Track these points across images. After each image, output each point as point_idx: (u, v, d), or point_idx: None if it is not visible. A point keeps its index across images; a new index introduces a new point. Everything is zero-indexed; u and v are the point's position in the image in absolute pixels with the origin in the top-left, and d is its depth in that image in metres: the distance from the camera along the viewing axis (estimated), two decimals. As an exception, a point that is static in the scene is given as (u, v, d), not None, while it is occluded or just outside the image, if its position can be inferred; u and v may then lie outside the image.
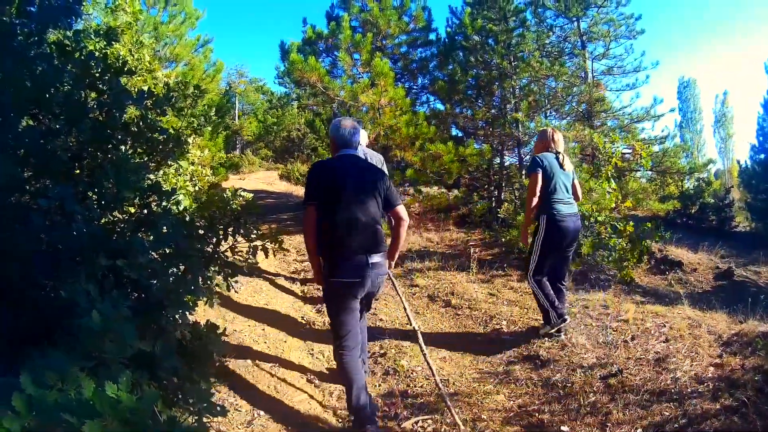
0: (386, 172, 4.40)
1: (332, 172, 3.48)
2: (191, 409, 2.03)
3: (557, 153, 4.96)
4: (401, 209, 3.64)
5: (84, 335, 1.72)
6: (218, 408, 2.06)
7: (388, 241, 3.74)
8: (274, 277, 6.98)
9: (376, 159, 5.54)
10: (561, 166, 4.89)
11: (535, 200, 4.80)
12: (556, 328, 4.75)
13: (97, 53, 2.73)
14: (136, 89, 2.88)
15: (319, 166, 3.71)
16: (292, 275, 7.36)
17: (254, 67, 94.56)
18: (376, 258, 3.40)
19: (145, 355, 1.97)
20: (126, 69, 2.82)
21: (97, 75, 2.65)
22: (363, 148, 5.41)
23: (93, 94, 2.71)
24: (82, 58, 2.60)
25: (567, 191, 4.87)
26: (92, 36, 4.05)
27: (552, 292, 4.81)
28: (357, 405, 3.33)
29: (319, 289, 6.14)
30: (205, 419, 2.05)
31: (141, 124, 2.83)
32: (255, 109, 29.96)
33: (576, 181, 5.06)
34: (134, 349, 1.79)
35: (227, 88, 28.20)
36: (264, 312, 5.48)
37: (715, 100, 48.47)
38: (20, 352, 1.80)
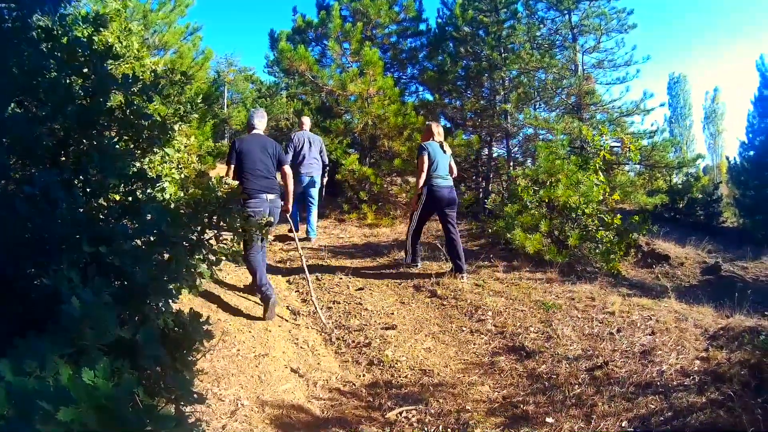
0: (323, 150, 8.98)
1: (243, 142, 5.46)
2: (172, 397, 2.01)
3: (439, 142, 6.80)
4: (286, 167, 5.66)
5: (64, 322, 1.69)
6: (195, 396, 2.03)
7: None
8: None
9: (317, 140, 8.92)
10: (443, 151, 6.75)
11: (423, 176, 6.54)
12: (410, 263, 7.06)
13: (84, 39, 2.68)
14: (123, 74, 2.84)
15: (237, 140, 5.53)
16: (278, 264, 7.33)
17: (244, 56, 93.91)
18: (272, 196, 5.32)
19: (127, 343, 1.94)
20: (112, 53, 2.77)
21: (83, 60, 2.60)
22: (306, 132, 8.90)
23: (79, 80, 2.67)
24: (68, 42, 2.55)
25: (445, 170, 6.69)
26: (80, 23, 4.00)
27: (418, 246, 7.18)
28: (261, 283, 5.12)
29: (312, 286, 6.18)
30: (185, 408, 2.02)
31: (126, 110, 2.79)
32: (244, 98, 29.74)
33: (452, 162, 6.93)
34: (114, 336, 1.76)
35: (216, 77, 28.01)
36: (249, 301, 5.45)
37: (705, 96, 48.81)
38: (9, 343, 1.77)
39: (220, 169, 12.72)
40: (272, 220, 5.33)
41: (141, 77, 2.81)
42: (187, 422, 1.75)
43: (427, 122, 8.03)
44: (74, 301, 1.68)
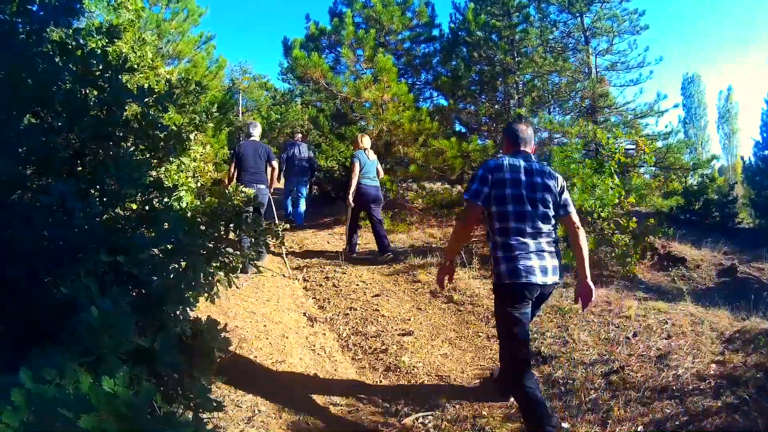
0: (311, 155, 11.33)
1: (241, 147, 7.53)
2: (190, 404, 2.04)
3: (365, 149, 8.19)
4: (274, 163, 7.69)
5: (83, 331, 1.72)
6: (214, 404, 2.06)
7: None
8: (276, 274, 6.99)
9: (305, 147, 11.22)
10: (368, 158, 8.12)
11: (355, 179, 7.88)
12: (349, 252, 8.32)
13: (98, 51, 2.73)
14: (138, 86, 2.88)
15: (237, 146, 7.71)
16: (295, 271, 7.37)
17: (258, 63, 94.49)
18: (260, 186, 7.26)
19: (145, 351, 1.97)
20: (126, 66, 2.82)
21: (98, 73, 2.65)
22: (299, 143, 11.28)
23: (94, 92, 2.71)
24: (83, 55, 2.60)
25: (372, 173, 8.12)
26: (94, 34, 4.05)
27: (356, 237, 8.46)
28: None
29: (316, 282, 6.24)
30: (203, 414, 2.05)
31: (141, 120, 2.83)
32: (259, 106, 29.85)
33: (378, 167, 8.39)
34: (132, 345, 1.79)
35: (230, 85, 28.17)
36: (266, 308, 5.49)
37: (719, 96, 48.29)
38: (25, 351, 1.80)
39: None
40: (262, 202, 7.20)
41: (156, 89, 2.85)
42: (205, 429, 1.77)
43: (357, 133, 9.87)
44: (93, 310, 1.71)
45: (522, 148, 3.58)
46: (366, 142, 8.39)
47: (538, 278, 3.20)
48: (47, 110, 2.59)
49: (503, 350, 3.44)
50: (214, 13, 55.46)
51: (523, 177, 3.36)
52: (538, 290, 3.28)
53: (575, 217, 3.50)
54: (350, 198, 8.00)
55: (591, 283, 3.39)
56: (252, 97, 32.22)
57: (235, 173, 7.43)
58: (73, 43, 2.68)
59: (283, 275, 7.08)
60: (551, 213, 3.40)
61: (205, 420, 2.05)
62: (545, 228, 3.34)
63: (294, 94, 24.45)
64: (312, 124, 15.77)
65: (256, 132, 7.91)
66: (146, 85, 3.84)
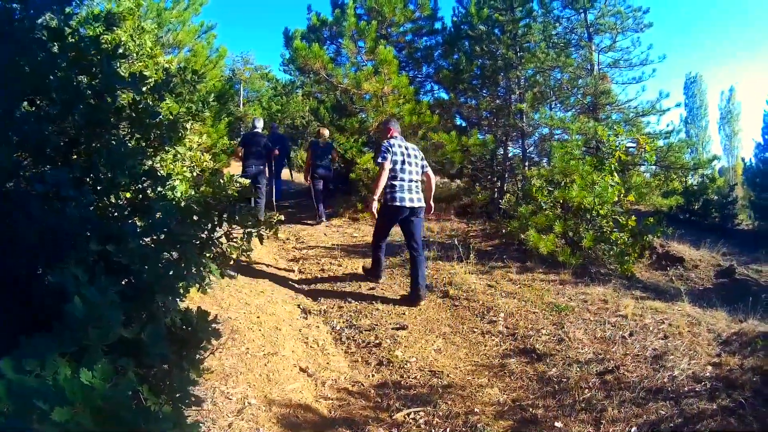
0: (284, 141, 12.92)
1: (246, 137, 9.96)
2: (175, 397, 2.00)
3: (318, 140, 10.64)
4: (276, 151, 10.35)
5: (67, 321, 1.68)
6: (193, 398, 2.03)
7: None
8: (272, 266, 6.97)
9: (284, 140, 12.87)
10: (320, 147, 10.51)
11: (306, 166, 10.89)
12: (317, 221, 10.35)
13: (89, 38, 2.68)
14: (130, 73, 2.83)
15: (243, 135, 10.78)
16: (290, 263, 7.34)
17: (260, 54, 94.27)
18: (260, 167, 9.57)
19: (132, 341, 1.94)
20: (119, 53, 2.77)
21: (89, 59, 2.60)
22: (276, 133, 12.92)
23: (86, 79, 2.67)
24: (75, 41, 2.56)
25: (322, 161, 10.49)
26: (92, 22, 4.01)
27: (321, 205, 10.52)
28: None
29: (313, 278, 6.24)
30: (189, 410, 2.02)
31: (134, 108, 2.79)
32: (260, 96, 29.79)
33: (329, 156, 10.70)
34: (117, 336, 1.76)
35: (231, 75, 28.07)
36: (260, 299, 5.46)
37: (721, 96, 48.14)
38: (17, 342, 1.77)
39: (234, 167, 12.82)
40: (261, 180, 9.57)
41: (148, 75, 2.81)
42: (185, 423, 1.74)
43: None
44: (76, 300, 1.68)
45: (400, 134, 6.18)
46: (326, 134, 10.83)
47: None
48: (43, 98, 2.55)
49: (375, 238, 6.15)
50: (215, 2, 55.30)
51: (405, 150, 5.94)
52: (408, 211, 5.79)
53: (429, 171, 6.15)
54: (310, 183, 10.62)
55: (432, 204, 6.14)
56: (253, 88, 32.14)
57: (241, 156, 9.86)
58: (67, 30, 2.63)
59: (279, 267, 7.04)
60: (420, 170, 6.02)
61: (187, 414, 2.01)
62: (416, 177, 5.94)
63: (295, 85, 24.40)
64: (313, 116, 15.72)
65: (260, 125, 10.34)
66: (147, 74, 3.79)
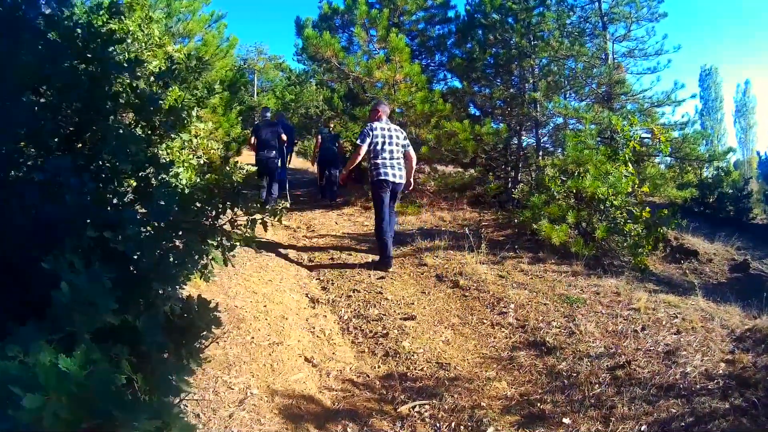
0: (291, 130, 13.23)
1: (258, 126, 10.30)
2: (161, 386, 1.95)
3: (326, 128, 12.15)
4: (283, 137, 10.15)
5: (54, 308, 1.64)
6: (181, 388, 1.98)
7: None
8: (281, 254, 6.93)
9: (290, 130, 13.17)
10: (329, 135, 11.80)
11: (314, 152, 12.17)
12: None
13: (87, 22, 2.64)
14: (126, 59, 2.79)
15: (256, 124, 10.98)
16: (300, 252, 7.30)
17: (273, 44, 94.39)
18: (272, 153, 9.86)
19: (128, 330, 1.89)
20: (114, 38, 2.71)
21: (82, 45, 2.55)
22: (282, 120, 12.93)
23: (83, 66, 2.62)
24: (67, 27, 2.51)
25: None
26: (98, 11, 3.99)
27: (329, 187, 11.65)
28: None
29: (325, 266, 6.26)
30: (184, 401, 1.97)
31: (133, 93, 2.74)
32: (274, 86, 29.85)
33: (336, 144, 11.79)
34: (104, 322, 1.71)
35: (242, 64, 28.11)
36: (267, 288, 5.42)
37: (737, 89, 47.58)
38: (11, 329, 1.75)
39: (245, 156, 12.83)
40: (271, 167, 9.97)
41: (149, 61, 2.76)
42: (170, 413, 1.68)
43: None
44: (63, 286, 1.63)
45: (385, 117, 6.77)
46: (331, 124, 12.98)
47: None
48: (47, 87, 2.51)
49: (376, 216, 6.55)
50: (228, -7, 55.24)
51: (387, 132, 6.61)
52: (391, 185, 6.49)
53: (411, 151, 6.79)
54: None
55: (412, 181, 6.95)
56: (267, 78, 32.29)
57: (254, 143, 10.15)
58: (58, 16, 2.59)
59: (289, 256, 7.00)
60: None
61: (175, 403, 1.97)
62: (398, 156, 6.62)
63: (309, 75, 24.35)
64: (327, 105, 15.68)
65: (270, 114, 11.43)
66: (154, 62, 3.75)
